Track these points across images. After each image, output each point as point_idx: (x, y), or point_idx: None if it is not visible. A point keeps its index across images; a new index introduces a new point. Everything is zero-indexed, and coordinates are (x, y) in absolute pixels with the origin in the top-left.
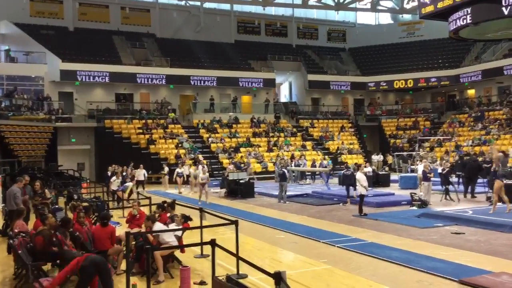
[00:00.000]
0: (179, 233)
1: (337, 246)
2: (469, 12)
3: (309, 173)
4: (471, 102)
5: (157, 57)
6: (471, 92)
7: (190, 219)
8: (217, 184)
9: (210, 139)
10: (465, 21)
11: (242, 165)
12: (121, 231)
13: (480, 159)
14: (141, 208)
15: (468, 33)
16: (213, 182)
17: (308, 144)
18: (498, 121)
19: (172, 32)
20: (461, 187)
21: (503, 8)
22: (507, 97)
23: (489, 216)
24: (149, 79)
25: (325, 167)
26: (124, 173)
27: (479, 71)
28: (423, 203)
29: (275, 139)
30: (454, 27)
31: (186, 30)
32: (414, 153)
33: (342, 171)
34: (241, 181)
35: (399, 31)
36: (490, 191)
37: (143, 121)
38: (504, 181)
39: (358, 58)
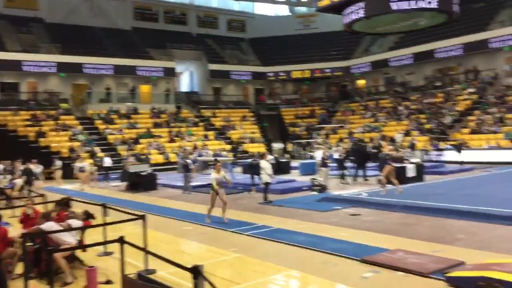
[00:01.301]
0: (75, 232)
1: (246, 234)
2: (362, 6)
3: (212, 163)
4: (362, 92)
5: (46, 44)
6: (361, 82)
7: (93, 217)
8: (117, 177)
9: (107, 131)
10: (358, 15)
11: (143, 156)
12: (13, 232)
13: (370, 145)
14: (37, 206)
15: (361, 27)
16: (112, 175)
17: (211, 134)
18: (385, 109)
19: (63, 17)
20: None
21: (392, 4)
22: (392, 87)
23: (381, 197)
24: (37, 67)
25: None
26: (11, 168)
27: (368, 63)
28: (323, 188)
29: (177, 129)
30: (348, 20)
31: (79, 14)
32: (311, 140)
33: (247, 160)
34: (142, 174)
35: (296, 23)
36: (381, 174)
37: (32, 112)
38: (393, 165)
39: (258, 49)
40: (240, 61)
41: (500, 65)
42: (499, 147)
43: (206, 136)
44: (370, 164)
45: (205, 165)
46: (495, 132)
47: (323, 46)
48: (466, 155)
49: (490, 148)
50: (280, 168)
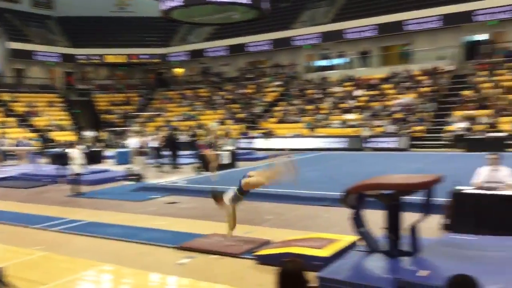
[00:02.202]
0: None
1: (53, 230)
2: None
3: (14, 153)
4: (179, 80)
5: None
6: (179, 70)
7: None
8: None
9: None
10: (176, 2)
11: None
12: None
13: (189, 133)
14: None
15: (179, 15)
16: None
17: (11, 120)
18: (202, 99)
19: None
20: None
21: None
22: (208, 77)
23: (199, 184)
24: None
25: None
26: None
27: (185, 52)
28: (139, 177)
29: None
30: (166, 7)
31: None
32: (127, 128)
33: (54, 150)
34: None
35: (111, 5)
36: (198, 162)
37: None
38: (212, 152)
39: (67, 29)
40: (47, 41)
41: (302, 62)
42: (301, 135)
43: (4, 123)
44: (186, 152)
45: (5, 156)
46: (297, 122)
47: (140, 31)
48: (273, 143)
49: (294, 136)
50: (92, 157)
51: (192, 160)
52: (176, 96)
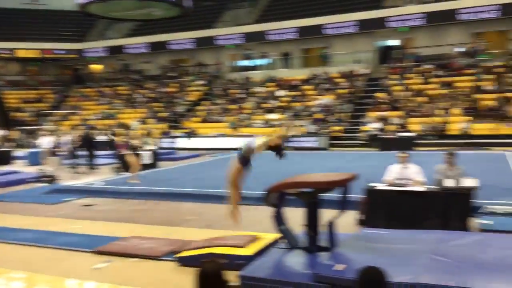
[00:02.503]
0: None
1: None
2: None
3: None
4: (97, 77)
5: None
6: (97, 67)
7: None
8: None
9: None
10: None
11: None
12: None
13: (108, 132)
14: None
15: (96, 9)
16: None
17: None
18: (122, 97)
19: None
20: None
21: None
22: (129, 74)
23: (117, 185)
24: None
25: None
26: None
27: (104, 48)
28: (52, 179)
29: None
30: (83, 1)
31: None
32: (40, 127)
33: None
34: None
35: None
36: (117, 162)
37: None
38: (130, 153)
39: None
40: None
41: (225, 61)
42: (224, 135)
43: None
44: (104, 152)
45: None
46: (221, 122)
47: (55, 25)
48: (196, 142)
49: (217, 136)
50: (1, 158)
51: (110, 161)
52: (93, 94)
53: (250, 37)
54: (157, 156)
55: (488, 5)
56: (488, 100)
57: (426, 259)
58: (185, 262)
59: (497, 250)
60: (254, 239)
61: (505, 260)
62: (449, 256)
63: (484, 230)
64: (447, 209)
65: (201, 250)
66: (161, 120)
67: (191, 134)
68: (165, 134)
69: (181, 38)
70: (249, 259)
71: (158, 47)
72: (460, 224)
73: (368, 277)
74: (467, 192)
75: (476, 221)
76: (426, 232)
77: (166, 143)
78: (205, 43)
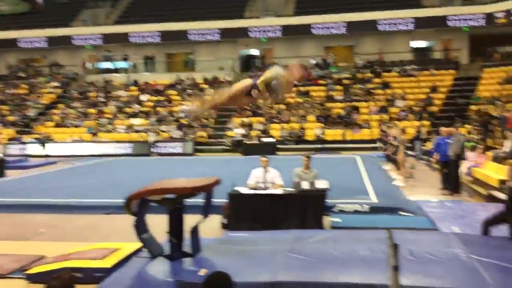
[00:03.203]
0: None
1: None
2: None
3: None
4: None
5: None
6: None
7: None
8: None
9: None
10: None
11: None
12: None
13: None
14: None
15: None
16: None
17: None
18: None
19: None
20: None
21: None
22: None
23: None
24: None
25: None
26: None
27: None
28: None
29: None
30: None
31: None
32: None
33: None
34: None
35: None
36: None
37: None
38: None
39: None
40: None
41: (83, 62)
42: (82, 141)
43: None
44: None
45: None
46: (78, 126)
47: None
48: (51, 149)
49: (74, 142)
50: None
51: None
52: None
53: (111, 38)
54: (4, 164)
55: (336, 22)
56: (338, 109)
57: (284, 257)
58: (35, 279)
59: (344, 245)
60: (114, 250)
61: (351, 254)
62: (305, 254)
63: (335, 227)
64: (303, 210)
65: (54, 264)
66: (8, 124)
67: (45, 140)
68: (15, 140)
69: (32, 36)
70: (108, 271)
71: (5, 45)
72: (315, 223)
73: (213, 281)
74: (321, 193)
75: (328, 219)
76: (285, 232)
77: (15, 149)
78: (60, 42)
